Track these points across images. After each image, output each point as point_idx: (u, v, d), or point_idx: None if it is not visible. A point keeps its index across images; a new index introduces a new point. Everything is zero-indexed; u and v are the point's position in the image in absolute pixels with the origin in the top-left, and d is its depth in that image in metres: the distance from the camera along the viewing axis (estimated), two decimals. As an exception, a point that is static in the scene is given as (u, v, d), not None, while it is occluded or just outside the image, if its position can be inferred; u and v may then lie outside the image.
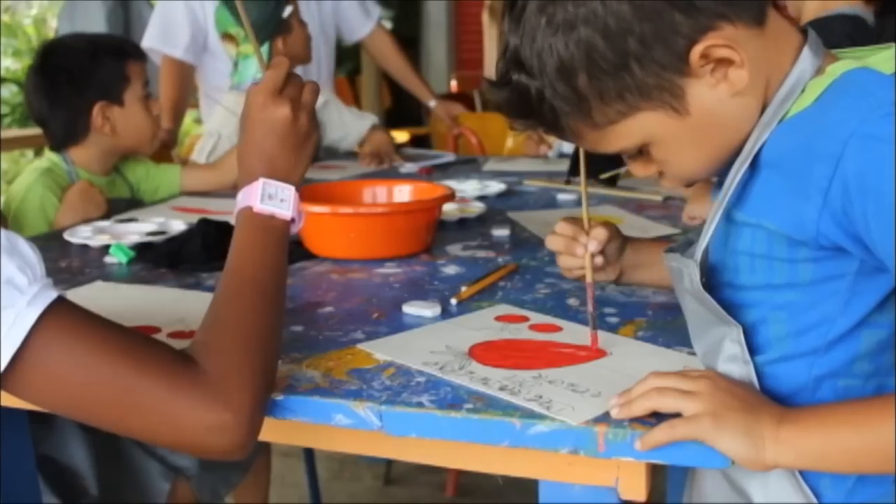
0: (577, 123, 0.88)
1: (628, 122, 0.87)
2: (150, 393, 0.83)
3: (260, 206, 0.99)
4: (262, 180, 0.99)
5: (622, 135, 0.88)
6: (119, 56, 1.99)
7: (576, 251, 1.10)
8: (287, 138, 1.01)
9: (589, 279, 1.08)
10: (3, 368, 0.78)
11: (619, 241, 1.17)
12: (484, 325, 1.14)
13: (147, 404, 0.83)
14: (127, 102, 1.98)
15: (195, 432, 0.83)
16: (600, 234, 1.10)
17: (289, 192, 1.01)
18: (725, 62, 0.84)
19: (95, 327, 0.84)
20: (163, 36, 2.92)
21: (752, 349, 0.89)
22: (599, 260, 1.11)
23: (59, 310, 0.82)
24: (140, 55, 2.06)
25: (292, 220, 1.01)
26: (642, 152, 0.92)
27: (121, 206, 1.99)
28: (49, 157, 2.00)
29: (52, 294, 0.82)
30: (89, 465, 1.57)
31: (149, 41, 2.92)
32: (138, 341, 0.86)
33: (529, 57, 0.86)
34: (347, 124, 2.81)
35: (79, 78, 1.94)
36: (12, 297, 0.79)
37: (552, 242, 1.13)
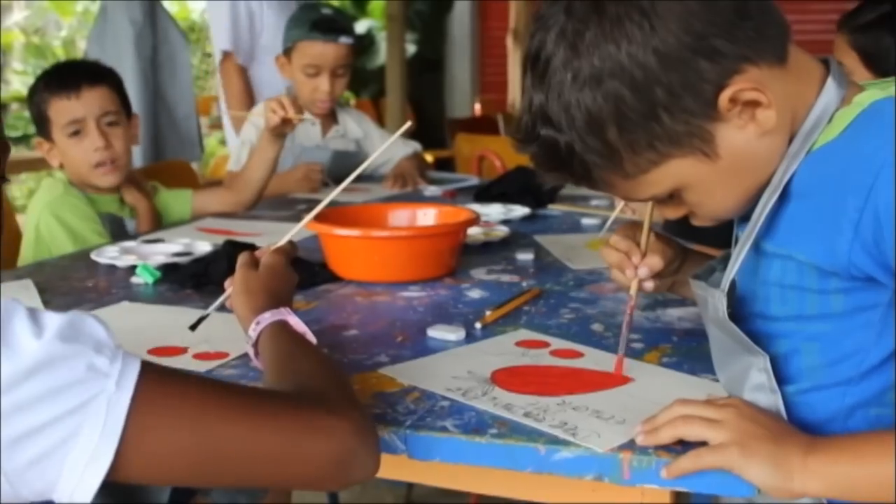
0: (608, 175, 0.88)
1: (660, 169, 0.86)
2: (275, 432, 0.79)
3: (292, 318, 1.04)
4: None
5: (654, 182, 0.88)
6: (46, 92, 1.96)
7: (626, 271, 1.07)
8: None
9: (632, 303, 1.05)
10: (111, 461, 0.73)
11: (678, 262, 1.12)
12: (505, 350, 1.14)
13: (276, 446, 0.79)
14: (56, 138, 1.97)
15: (336, 459, 0.79)
16: (655, 263, 1.06)
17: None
18: (753, 104, 0.83)
19: (191, 385, 0.80)
20: (231, 38, 3.16)
21: (784, 379, 0.89)
22: (649, 286, 1.07)
23: (149, 379, 0.76)
24: (68, 86, 1.94)
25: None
26: (673, 196, 0.91)
27: (119, 222, 2.01)
28: (59, 176, 2.03)
29: (136, 364, 0.76)
30: None
31: (223, 44, 3.16)
32: (237, 389, 0.85)
33: (557, 112, 0.85)
34: (390, 150, 2.83)
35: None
36: (99, 384, 0.73)
37: (607, 255, 1.10)
